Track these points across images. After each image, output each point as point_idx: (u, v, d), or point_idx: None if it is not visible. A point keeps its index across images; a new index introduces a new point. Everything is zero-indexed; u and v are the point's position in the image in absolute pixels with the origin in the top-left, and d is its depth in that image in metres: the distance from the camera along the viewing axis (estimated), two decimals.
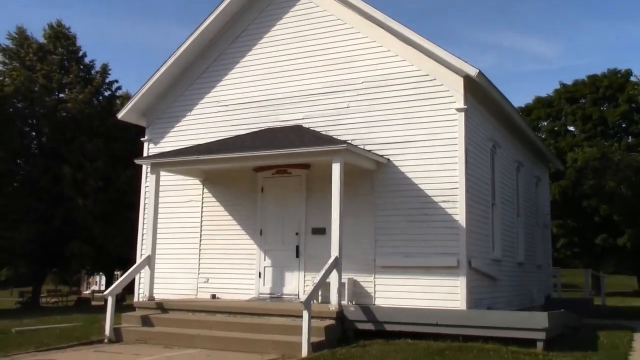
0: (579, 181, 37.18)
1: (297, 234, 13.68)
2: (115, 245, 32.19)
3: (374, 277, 12.67)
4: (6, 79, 31.56)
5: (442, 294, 11.94)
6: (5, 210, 29.14)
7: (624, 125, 44.71)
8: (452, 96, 12.47)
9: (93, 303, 37.68)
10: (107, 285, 37.86)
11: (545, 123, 47.77)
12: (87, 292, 59.38)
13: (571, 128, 46.19)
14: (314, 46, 14.02)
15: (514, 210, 16.96)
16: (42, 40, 34.20)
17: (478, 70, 12.09)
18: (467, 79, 12.39)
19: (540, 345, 9.99)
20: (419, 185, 12.51)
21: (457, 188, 12.16)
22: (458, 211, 12.11)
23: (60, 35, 34.30)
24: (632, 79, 43.68)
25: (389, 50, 13.23)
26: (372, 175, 12.95)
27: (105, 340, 12.03)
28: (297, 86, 14.04)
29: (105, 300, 12.67)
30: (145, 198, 15.25)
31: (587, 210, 38.54)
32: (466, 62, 12.23)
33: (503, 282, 14.89)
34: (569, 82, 47.13)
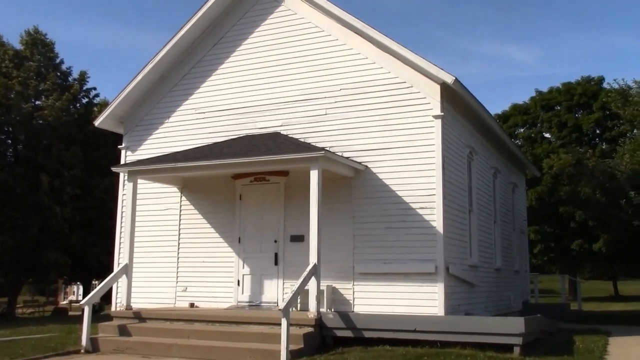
0: (554, 187, 37.65)
1: (275, 241, 13.66)
2: (94, 253, 31.90)
3: (353, 284, 12.70)
4: None
5: (421, 300, 12.00)
6: None
7: (598, 132, 45.41)
8: (429, 103, 12.58)
9: (70, 313, 37.23)
10: (85, 294, 37.41)
11: (522, 130, 48.32)
12: (65, 302, 58.61)
13: (547, 135, 46.79)
14: (291, 53, 14.07)
15: (491, 216, 17.11)
16: (18, 46, 33.85)
17: (454, 78, 12.21)
18: (444, 86, 12.51)
19: (517, 350, 10.09)
20: (396, 192, 12.58)
21: (434, 195, 12.25)
22: (435, 217, 12.20)
23: (37, 42, 33.96)
24: (605, 85, 44.40)
25: (366, 58, 13.32)
26: (350, 182, 13.00)
27: (82, 351, 11.89)
28: (275, 93, 14.07)
29: (83, 310, 12.55)
30: (122, 206, 15.16)
31: (563, 216, 39.02)
32: (442, 69, 12.36)
33: (480, 288, 15.01)
34: (545, 89, 47.77)
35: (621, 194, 31.09)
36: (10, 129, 32.15)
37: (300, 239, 13.22)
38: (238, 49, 14.74)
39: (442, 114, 12.46)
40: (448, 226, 12.47)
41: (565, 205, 37.83)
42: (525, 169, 24.45)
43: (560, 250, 43.25)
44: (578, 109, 45.93)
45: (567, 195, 36.07)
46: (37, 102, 33.18)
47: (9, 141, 32.98)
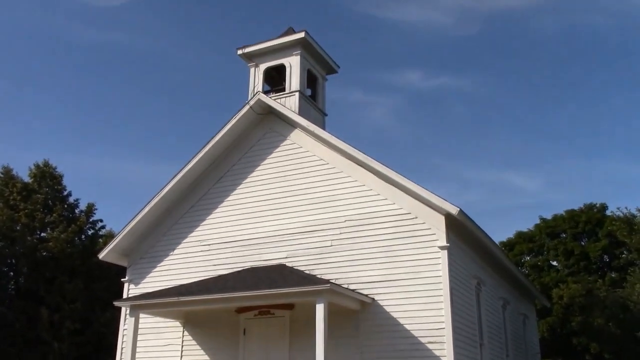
0: (566, 318, 36.65)
1: None
2: None
3: None
4: None
5: None
6: None
7: (606, 260, 44.91)
8: (434, 234, 12.54)
9: None
10: None
11: (528, 258, 47.83)
12: None
13: (554, 263, 46.27)
14: (297, 185, 14.24)
15: (502, 349, 16.51)
16: (27, 179, 34.48)
17: (459, 209, 12.25)
18: (449, 217, 12.52)
19: None
20: (405, 325, 12.23)
21: (443, 328, 11.89)
22: (446, 352, 11.77)
23: (46, 175, 34.64)
24: (609, 213, 44.52)
25: (370, 189, 13.45)
26: (357, 315, 12.67)
27: None
28: (281, 225, 14.08)
29: None
30: (123, 342, 14.71)
31: (577, 348, 37.66)
32: (446, 200, 12.43)
33: None
34: (549, 216, 47.83)
35: (637, 327, 30.19)
36: (14, 261, 32.02)
37: None
38: (244, 182, 14.95)
39: (448, 244, 12.38)
40: None
41: (579, 337, 36.64)
42: (534, 299, 23.96)
43: None
44: (584, 237, 45.74)
45: (580, 327, 35.02)
46: (43, 234, 33.28)
47: (11, 273, 32.72)
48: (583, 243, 45.66)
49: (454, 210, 12.27)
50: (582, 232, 45.87)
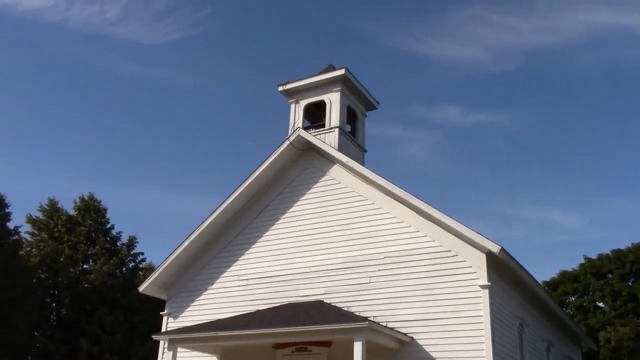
0: None
1: None
2: None
3: None
4: (33, 250, 32.12)
5: None
6: None
7: None
8: (474, 272, 12.31)
9: None
10: None
11: (573, 298, 46.45)
12: None
13: (600, 304, 44.82)
14: (335, 221, 14.19)
15: None
16: (72, 211, 35.24)
17: (500, 247, 12.02)
18: (490, 255, 12.28)
19: None
20: None
21: None
22: None
23: (90, 208, 35.35)
24: None
25: (410, 226, 13.31)
26: (395, 354, 12.44)
27: None
28: (319, 261, 14.01)
29: None
30: None
31: None
32: (487, 238, 12.21)
33: None
34: (594, 255, 46.51)
35: None
36: (56, 292, 32.57)
37: None
38: (283, 217, 14.97)
39: (489, 283, 12.12)
40: None
41: None
42: (580, 342, 23.17)
43: None
44: (631, 277, 44.29)
45: None
46: (85, 266, 33.82)
47: (54, 304, 33.26)
48: (630, 284, 44.20)
49: (495, 248, 12.04)
50: (630, 273, 44.43)
